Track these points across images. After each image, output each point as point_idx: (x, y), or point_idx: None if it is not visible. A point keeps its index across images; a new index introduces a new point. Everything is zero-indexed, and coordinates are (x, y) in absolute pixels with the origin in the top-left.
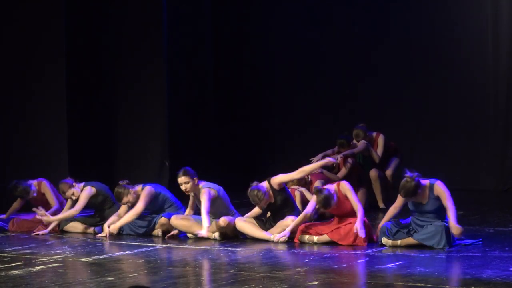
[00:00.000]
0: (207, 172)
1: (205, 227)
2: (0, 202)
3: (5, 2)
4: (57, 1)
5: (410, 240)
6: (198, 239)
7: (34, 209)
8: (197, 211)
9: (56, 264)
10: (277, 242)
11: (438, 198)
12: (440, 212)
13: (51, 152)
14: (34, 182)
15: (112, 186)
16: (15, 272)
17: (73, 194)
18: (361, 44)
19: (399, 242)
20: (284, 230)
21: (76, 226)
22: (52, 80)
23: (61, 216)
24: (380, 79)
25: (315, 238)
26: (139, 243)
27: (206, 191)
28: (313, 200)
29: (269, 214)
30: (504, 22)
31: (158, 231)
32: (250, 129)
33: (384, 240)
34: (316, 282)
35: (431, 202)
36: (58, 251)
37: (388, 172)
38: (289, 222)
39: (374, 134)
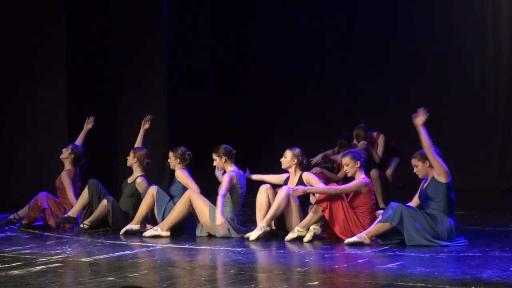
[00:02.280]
0: (207, 171)
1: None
2: (2, 201)
3: (6, 3)
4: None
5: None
6: (200, 238)
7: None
8: None
9: (56, 264)
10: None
11: (438, 183)
12: (439, 203)
13: (52, 152)
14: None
15: (111, 186)
16: (15, 272)
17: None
18: (362, 44)
19: (365, 235)
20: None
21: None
22: (53, 80)
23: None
24: (380, 79)
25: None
26: (139, 243)
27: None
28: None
29: None
30: (504, 22)
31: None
32: (250, 130)
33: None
34: (316, 282)
35: (432, 184)
36: (58, 251)
37: (388, 172)
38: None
39: (375, 134)
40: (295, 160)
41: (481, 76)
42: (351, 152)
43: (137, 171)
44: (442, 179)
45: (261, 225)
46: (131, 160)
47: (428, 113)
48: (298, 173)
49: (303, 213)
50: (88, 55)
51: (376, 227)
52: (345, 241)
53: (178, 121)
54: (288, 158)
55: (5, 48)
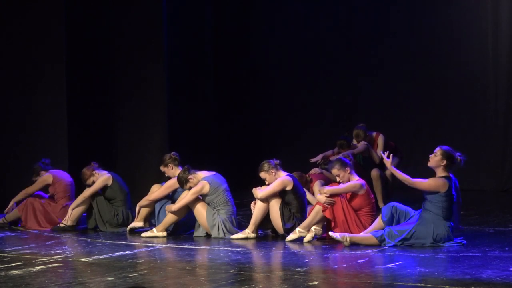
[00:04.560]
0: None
1: None
2: (1, 200)
3: (6, 3)
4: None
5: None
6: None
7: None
8: None
9: (56, 264)
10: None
11: (436, 192)
12: (436, 206)
13: (51, 152)
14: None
15: None
16: (15, 272)
17: (93, 182)
18: (362, 44)
19: (348, 237)
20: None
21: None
22: (52, 81)
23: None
24: (380, 79)
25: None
26: (139, 243)
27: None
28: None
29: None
30: (504, 22)
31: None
32: (250, 130)
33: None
34: (316, 282)
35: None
36: (58, 251)
37: (388, 172)
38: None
39: (374, 134)
40: (272, 172)
41: (481, 76)
42: (337, 161)
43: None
44: (439, 190)
45: (247, 231)
46: (90, 180)
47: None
48: (282, 173)
49: (304, 213)
50: (88, 57)
51: (362, 237)
52: (329, 233)
53: (179, 121)
54: (267, 177)
55: (6, 50)
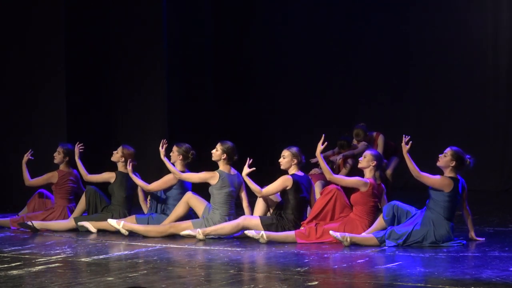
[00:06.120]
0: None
1: None
2: (1, 201)
3: (6, 8)
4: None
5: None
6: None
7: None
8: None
9: (56, 264)
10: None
11: (440, 190)
12: (439, 205)
13: (51, 152)
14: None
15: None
16: (15, 272)
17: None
18: (362, 44)
19: (348, 237)
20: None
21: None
22: (53, 83)
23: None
24: (380, 79)
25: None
26: (139, 243)
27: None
28: None
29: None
30: (504, 22)
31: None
32: (250, 131)
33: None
34: (316, 282)
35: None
36: (57, 251)
37: (388, 172)
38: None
39: (374, 134)
40: (295, 160)
41: (481, 76)
42: (376, 151)
43: (120, 168)
44: (443, 189)
45: (200, 231)
46: (118, 156)
47: (411, 141)
48: (294, 171)
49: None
50: (88, 59)
51: (363, 238)
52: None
53: (178, 121)
54: (287, 158)
55: (5, 50)
